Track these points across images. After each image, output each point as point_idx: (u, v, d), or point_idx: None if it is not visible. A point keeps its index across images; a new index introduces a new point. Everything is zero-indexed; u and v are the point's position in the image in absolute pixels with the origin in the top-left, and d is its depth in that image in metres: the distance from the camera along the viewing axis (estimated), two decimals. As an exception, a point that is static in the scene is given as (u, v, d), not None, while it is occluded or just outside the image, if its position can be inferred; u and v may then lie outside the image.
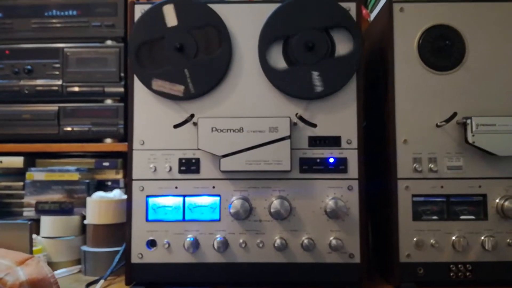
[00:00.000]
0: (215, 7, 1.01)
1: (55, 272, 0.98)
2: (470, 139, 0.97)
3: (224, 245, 0.97)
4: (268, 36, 1.00)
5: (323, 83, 0.98)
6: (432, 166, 1.00)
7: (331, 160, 1.00)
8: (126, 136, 1.30)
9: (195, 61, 1.00)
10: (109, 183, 1.39)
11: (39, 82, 1.41)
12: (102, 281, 1.03)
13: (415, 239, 0.98)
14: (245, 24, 1.01)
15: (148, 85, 1.00)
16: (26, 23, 1.43)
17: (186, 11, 1.01)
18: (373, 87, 1.13)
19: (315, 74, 0.98)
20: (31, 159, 1.42)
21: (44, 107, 1.40)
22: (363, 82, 1.02)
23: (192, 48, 1.00)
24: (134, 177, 1.01)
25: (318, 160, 1.00)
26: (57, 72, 1.41)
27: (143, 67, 1.01)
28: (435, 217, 0.99)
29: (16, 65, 1.41)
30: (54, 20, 1.43)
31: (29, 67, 1.41)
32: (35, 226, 1.12)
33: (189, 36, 1.00)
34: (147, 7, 1.02)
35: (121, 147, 1.37)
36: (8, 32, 1.43)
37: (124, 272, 1.00)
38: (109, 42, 1.42)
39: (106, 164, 1.40)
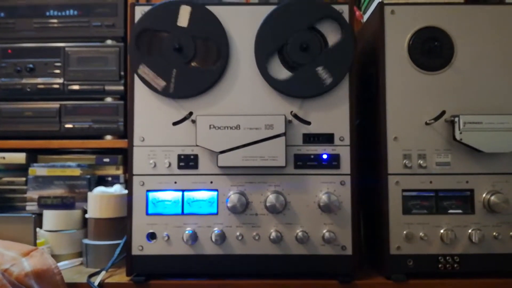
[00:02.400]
0: (213, 9, 1.04)
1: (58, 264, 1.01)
2: (458, 136, 1.01)
3: (222, 237, 1.01)
4: (264, 39, 1.03)
5: (329, 74, 1.02)
6: (421, 162, 1.03)
7: (325, 156, 1.03)
8: (125, 133, 1.34)
9: (187, 67, 1.03)
10: (110, 179, 1.42)
11: (40, 80, 1.43)
12: (103, 273, 1.05)
13: (405, 232, 1.02)
14: (242, 26, 1.05)
15: (135, 67, 1.03)
16: (28, 22, 1.46)
17: (198, 18, 1.04)
18: (365, 86, 1.16)
19: (319, 69, 1.01)
20: (33, 155, 1.44)
21: (46, 105, 1.43)
22: (356, 81, 1.05)
23: (189, 52, 1.03)
24: (134, 172, 1.04)
25: (312, 156, 1.03)
26: (58, 71, 1.43)
27: (138, 49, 1.04)
28: (424, 211, 1.03)
29: (18, 63, 1.44)
30: (55, 20, 1.45)
31: (31, 65, 1.43)
32: (37, 220, 1.14)
33: (191, 41, 1.03)
34: (147, 8, 1.05)
35: (121, 143, 1.39)
36: (10, 32, 1.46)
37: (125, 264, 1.03)
38: (109, 42, 1.45)
39: (106, 160, 1.43)
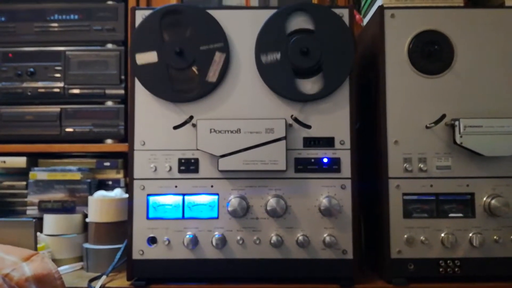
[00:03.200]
0: (214, 13, 1.04)
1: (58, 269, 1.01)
2: (458, 140, 1.01)
3: (222, 242, 1.01)
4: (264, 42, 1.03)
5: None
6: (422, 166, 1.03)
7: (325, 160, 1.03)
8: (126, 137, 1.33)
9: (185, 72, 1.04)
10: (110, 183, 1.43)
11: (41, 84, 1.44)
12: (104, 277, 1.05)
13: (405, 236, 1.02)
14: (242, 30, 1.05)
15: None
16: (29, 26, 1.47)
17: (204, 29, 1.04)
18: (365, 89, 1.16)
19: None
20: (34, 159, 1.45)
21: (46, 109, 1.44)
22: (356, 85, 1.05)
23: (189, 57, 1.03)
24: (135, 176, 1.04)
25: (312, 160, 1.03)
26: (59, 75, 1.44)
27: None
28: (425, 215, 1.03)
29: (19, 67, 1.44)
30: (56, 24, 1.46)
31: (31, 69, 1.44)
32: (38, 225, 1.14)
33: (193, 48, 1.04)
34: (147, 12, 1.05)
35: (122, 147, 1.40)
36: (11, 36, 1.47)
37: (126, 268, 1.03)
38: (109, 46, 1.46)
39: (107, 164, 1.43)
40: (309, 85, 1.03)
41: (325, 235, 1.01)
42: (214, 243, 1.01)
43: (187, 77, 1.04)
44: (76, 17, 1.46)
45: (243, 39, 1.05)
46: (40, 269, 0.96)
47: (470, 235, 1.02)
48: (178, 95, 1.04)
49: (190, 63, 1.03)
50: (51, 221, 1.25)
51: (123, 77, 1.43)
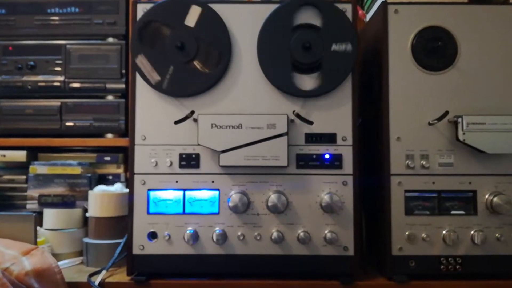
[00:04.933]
0: (216, 6, 1.03)
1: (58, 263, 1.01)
2: (461, 137, 1.00)
3: (223, 237, 1.00)
4: (266, 38, 1.02)
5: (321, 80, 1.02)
6: (424, 162, 1.03)
7: (327, 156, 1.03)
8: (126, 131, 1.33)
9: (186, 66, 1.03)
10: (110, 177, 1.42)
11: (41, 78, 1.43)
12: (104, 272, 1.05)
13: (407, 233, 1.02)
14: (244, 24, 1.04)
15: (134, 56, 1.03)
16: (29, 20, 1.45)
17: (206, 22, 1.03)
18: (368, 85, 1.16)
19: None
20: (34, 153, 1.44)
21: (47, 103, 1.43)
22: (358, 81, 1.05)
23: (190, 52, 1.02)
24: (136, 171, 1.04)
25: (314, 156, 1.03)
26: (59, 68, 1.43)
27: (141, 40, 1.03)
28: (426, 212, 1.03)
29: (19, 61, 1.43)
30: (56, 17, 1.45)
31: (32, 63, 1.43)
32: (38, 219, 1.14)
33: (194, 42, 1.02)
34: (149, 6, 1.04)
35: (122, 142, 1.39)
36: (11, 29, 1.45)
37: (126, 263, 1.03)
38: (110, 40, 1.44)
39: (107, 158, 1.42)
40: (309, 81, 1.02)
41: (326, 232, 1.01)
42: (214, 238, 1.00)
43: (189, 71, 1.03)
44: (77, 10, 1.45)
45: (245, 34, 1.04)
46: (40, 263, 0.96)
47: (472, 232, 1.02)
48: (179, 90, 1.03)
49: (190, 58, 1.03)
50: (51, 216, 1.25)
51: (123, 71, 1.42)
